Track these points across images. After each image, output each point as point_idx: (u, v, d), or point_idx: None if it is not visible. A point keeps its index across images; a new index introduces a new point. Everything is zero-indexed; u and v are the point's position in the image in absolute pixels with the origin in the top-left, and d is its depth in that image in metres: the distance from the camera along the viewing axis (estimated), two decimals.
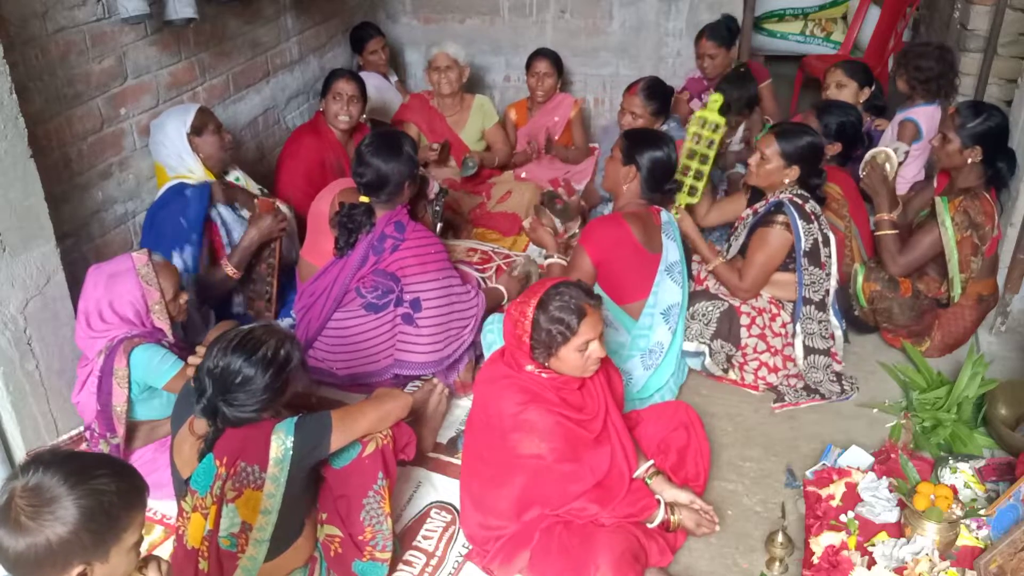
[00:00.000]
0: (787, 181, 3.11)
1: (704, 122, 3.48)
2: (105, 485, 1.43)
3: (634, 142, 3.10)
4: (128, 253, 2.54)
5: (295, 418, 2.05)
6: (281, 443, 2.00)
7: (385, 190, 2.96)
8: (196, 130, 3.09)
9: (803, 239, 3.03)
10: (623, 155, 3.09)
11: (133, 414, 2.49)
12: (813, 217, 3.06)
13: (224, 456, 2.01)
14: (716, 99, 3.49)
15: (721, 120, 3.47)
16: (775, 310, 3.14)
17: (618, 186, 3.13)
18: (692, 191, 3.47)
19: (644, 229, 3.03)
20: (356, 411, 2.16)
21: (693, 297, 3.13)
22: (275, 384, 2.01)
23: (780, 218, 3.06)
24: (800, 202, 3.07)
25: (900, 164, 3.50)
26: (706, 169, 3.47)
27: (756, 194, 3.31)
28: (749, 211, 3.29)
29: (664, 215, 3.13)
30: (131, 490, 1.48)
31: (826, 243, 3.09)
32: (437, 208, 3.49)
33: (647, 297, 3.02)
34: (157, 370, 2.43)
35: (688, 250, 3.29)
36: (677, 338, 3.01)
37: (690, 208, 3.45)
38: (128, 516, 1.47)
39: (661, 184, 3.12)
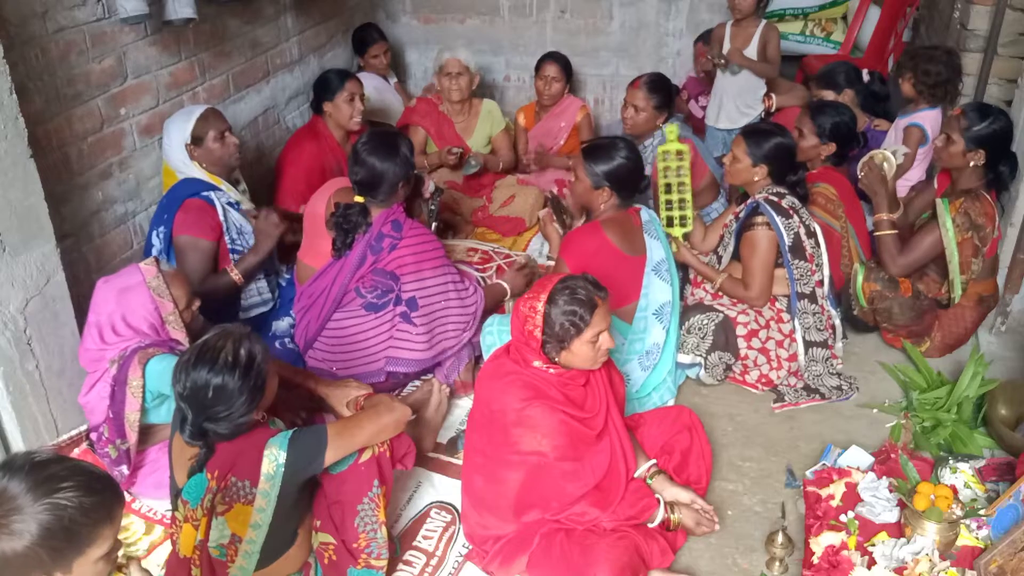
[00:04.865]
0: (757, 179, 3.16)
1: (667, 155, 3.56)
2: (69, 500, 1.39)
3: (594, 162, 2.99)
4: (136, 265, 2.46)
5: (290, 432, 2.00)
6: (274, 459, 1.95)
7: (380, 190, 2.95)
8: (196, 140, 3.07)
9: (784, 235, 3.05)
10: (591, 180, 3.01)
11: (146, 419, 2.46)
12: (792, 212, 3.08)
13: (216, 470, 1.97)
14: (671, 130, 3.62)
15: (684, 148, 3.56)
16: (777, 307, 3.14)
17: (595, 206, 3.08)
18: (683, 221, 3.51)
19: (623, 234, 3.00)
20: (353, 426, 2.11)
21: (687, 310, 3.12)
22: (249, 384, 1.95)
23: (759, 219, 3.09)
24: (776, 199, 3.09)
25: (899, 166, 3.49)
26: (688, 196, 3.51)
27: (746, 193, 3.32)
28: (731, 217, 3.33)
29: (644, 214, 3.10)
30: (99, 505, 1.44)
31: (810, 235, 3.10)
32: (432, 207, 3.48)
33: (638, 300, 3.00)
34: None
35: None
36: (672, 335, 3.00)
37: (687, 236, 3.49)
38: (92, 532, 1.43)
39: (636, 186, 3.09)
